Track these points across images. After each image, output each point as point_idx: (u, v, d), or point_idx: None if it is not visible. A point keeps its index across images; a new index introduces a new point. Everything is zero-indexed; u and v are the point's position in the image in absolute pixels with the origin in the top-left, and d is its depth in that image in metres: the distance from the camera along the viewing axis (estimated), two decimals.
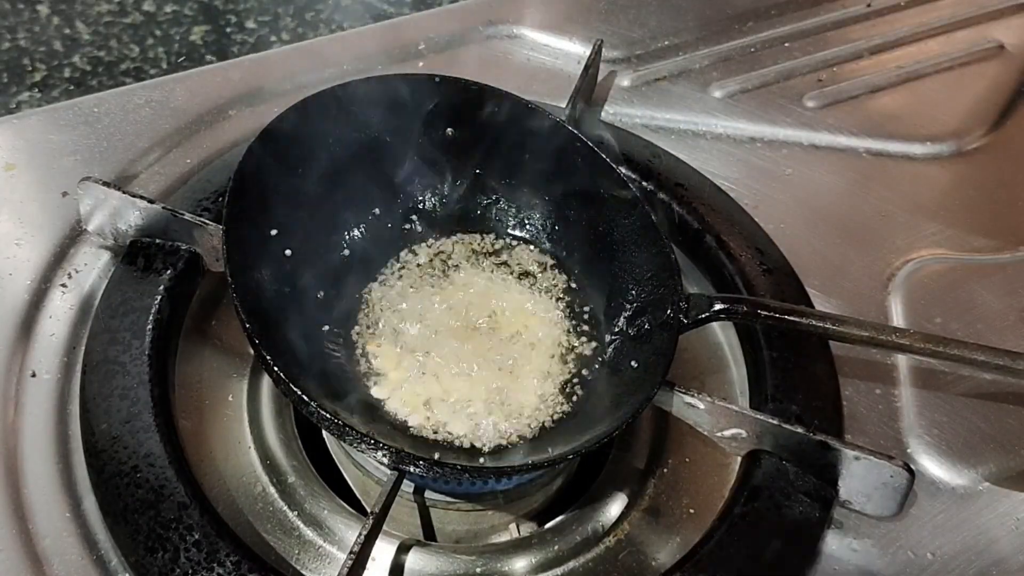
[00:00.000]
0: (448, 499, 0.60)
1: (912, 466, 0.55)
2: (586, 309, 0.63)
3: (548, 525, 0.60)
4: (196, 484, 0.54)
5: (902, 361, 0.65)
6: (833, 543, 0.56)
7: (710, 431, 0.58)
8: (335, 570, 0.51)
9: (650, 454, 0.63)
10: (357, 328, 0.61)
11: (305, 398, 0.50)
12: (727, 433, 0.58)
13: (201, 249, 0.63)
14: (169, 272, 0.62)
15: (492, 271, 0.65)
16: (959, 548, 0.57)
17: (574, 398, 0.59)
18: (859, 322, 0.58)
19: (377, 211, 0.65)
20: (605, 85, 0.83)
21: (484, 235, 0.67)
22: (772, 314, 0.59)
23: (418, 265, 0.64)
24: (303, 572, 0.56)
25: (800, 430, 0.56)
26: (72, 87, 0.89)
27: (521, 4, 0.88)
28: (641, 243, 0.61)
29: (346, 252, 0.63)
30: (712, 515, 0.57)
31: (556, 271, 0.65)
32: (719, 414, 0.57)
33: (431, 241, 0.66)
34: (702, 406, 0.57)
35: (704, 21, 0.89)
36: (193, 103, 0.75)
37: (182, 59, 0.93)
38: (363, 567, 0.51)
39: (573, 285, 0.64)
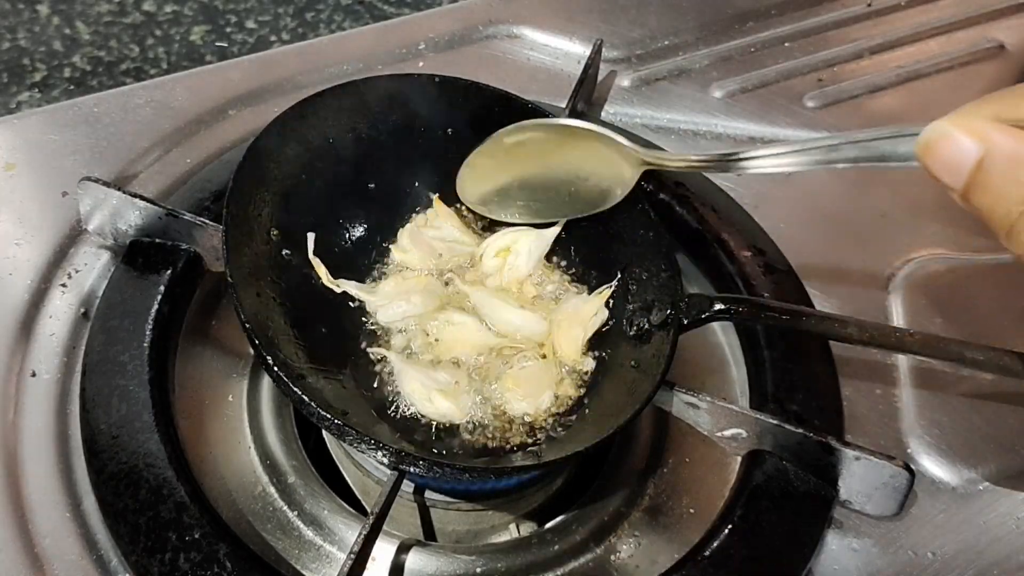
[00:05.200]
0: (448, 499, 0.60)
1: (912, 466, 0.55)
2: None
3: (548, 525, 0.60)
4: (196, 484, 0.54)
5: (902, 361, 0.65)
6: (833, 543, 0.56)
7: (710, 431, 0.58)
8: (335, 570, 0.51)
9: (650, 454, 0.64)
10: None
11: (305, 398, 0.50)
12: (727, 433, 0.58)
13: (201, 249, 0.63)
14: (169, 272, 0.62)
15: (492, 271, 0.65)
16: (959, 548, 0.57)
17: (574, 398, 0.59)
18: (859, 322, 0.58)
19: (377, 211, 0.65)
20: (605, 85, 0.83)
21: (484, 235, 0.67)
22: (772, 314, 0.59)
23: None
24: (303, 572, 0.56)
25: (800, 430, 0.56)
26: (72, 87, 0.89)
27: (521, 4, 0.88)
28: (641, 243, 0.61)
29: (346, 252, 0.63)
30: (712, 515, 0.57)
31: (556, 271, 0.65)
32: (719, 414, 0.57)
33: None
34: (702, 406, 0.57)
35: (704, 21, 0.89)
36: (193, 103, 0.75)
37: (182, 59, 0.93)
38: (363, 567, 0.51)
39: (573, 285, 0.64)
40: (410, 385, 0.57)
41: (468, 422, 0.56)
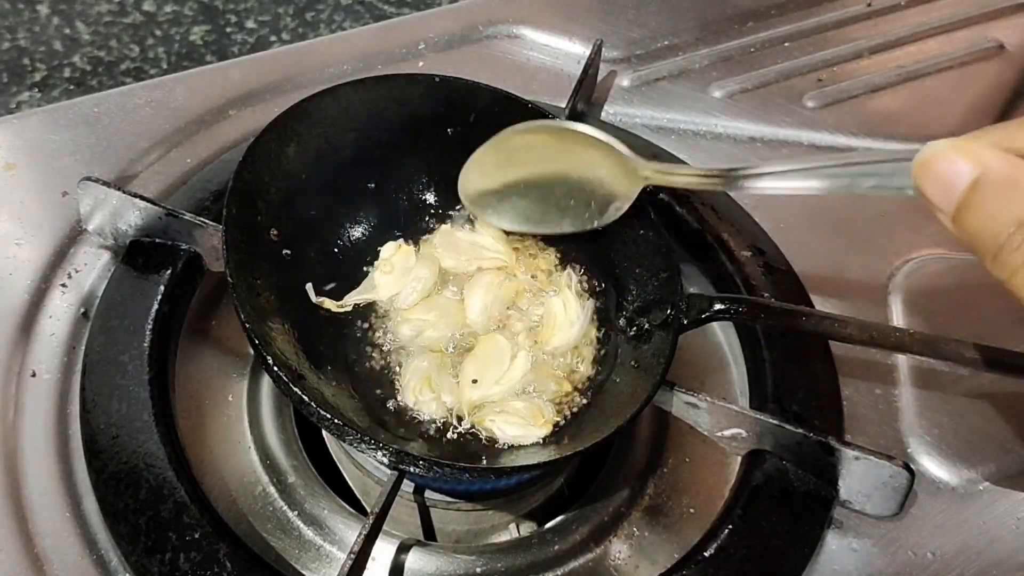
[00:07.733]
0: (448, 499, 0.60)
1: (912, 466, 0.55)
2: None
3: (548, 525, 0.60)
4: (196, 484, 0.54)
5: (902, 361, 0.65)
6: (833, 543, 0.56)
7: (710, 431, 0.58)
8: (335, 570, 0.51)
9: (650, 454, 0.64)
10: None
11: (305, 398, 0.50)
12: (727, 433, 0.58)
13: (201, 249, 0.63)
14: (169, 272, 0.62)
15: (491, 271, 0.64)
16: (959, 548, 0.57)
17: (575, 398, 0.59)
18: (859, 322, 0.58)
19: (377, 211, 0.65)
20: (605, 85, 0.83)
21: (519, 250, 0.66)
22: (772, 314, 0.59)
23: None
24: (303, 572, 0.56)
25: (800, 430, 0.56)
26: (72, 87, 0.89)
27: (521, 4, 0.88)
28: (641, 243, 0.61)
29: (347, 252, 0.63)
30: (712, 515, 0.57)
31: (556, 272, 0.65)
32: (719, 414, 0.58)
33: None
34: (702, 406, 0.57)
35: (704, 21, 0.89)
36: (193, 103, 0.75)
37: (182, 59, 0.93)
38: (363, 567, 0.51)
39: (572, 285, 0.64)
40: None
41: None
